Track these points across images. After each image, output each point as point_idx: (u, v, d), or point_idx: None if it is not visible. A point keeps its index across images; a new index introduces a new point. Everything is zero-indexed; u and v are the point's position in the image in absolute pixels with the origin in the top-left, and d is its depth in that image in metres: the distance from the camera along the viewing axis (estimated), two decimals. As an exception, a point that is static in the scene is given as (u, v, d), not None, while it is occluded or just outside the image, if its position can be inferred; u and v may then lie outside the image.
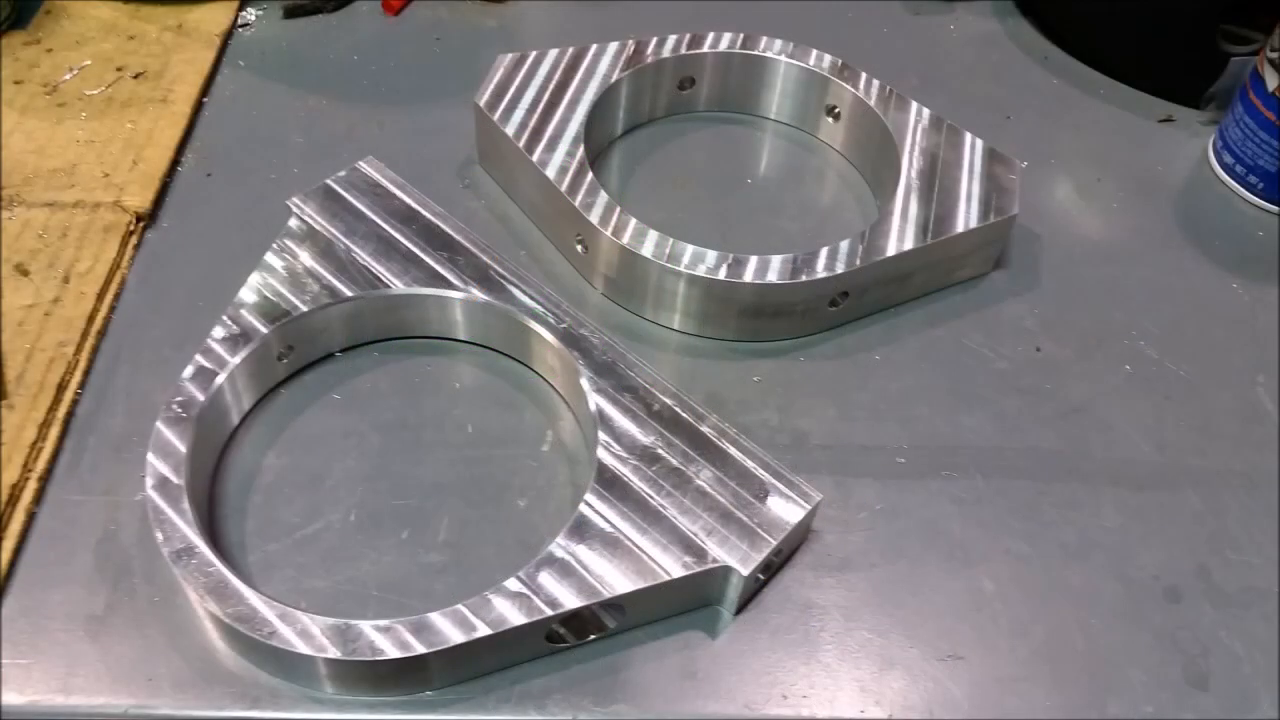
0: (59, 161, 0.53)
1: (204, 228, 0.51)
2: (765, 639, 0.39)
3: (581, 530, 0.38)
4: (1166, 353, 0.49)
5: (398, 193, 0.49)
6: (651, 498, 0.39)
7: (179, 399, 0.41)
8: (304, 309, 0.44)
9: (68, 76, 0.57)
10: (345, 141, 0.55)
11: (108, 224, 0.50)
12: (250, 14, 0.62)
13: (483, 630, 0.35)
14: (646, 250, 0.46)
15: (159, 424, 0.40)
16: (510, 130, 0.50)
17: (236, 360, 0.42)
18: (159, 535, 0.37)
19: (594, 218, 0.47)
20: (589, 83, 0.53)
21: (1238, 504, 0.44)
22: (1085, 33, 0.63)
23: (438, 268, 0.46)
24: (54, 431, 0.43)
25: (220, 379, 0.42)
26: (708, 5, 0.64)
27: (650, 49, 0.55)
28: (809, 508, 0.39)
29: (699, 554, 0.38)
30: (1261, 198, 0.56)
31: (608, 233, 0.46)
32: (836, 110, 0.56)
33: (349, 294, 0.45)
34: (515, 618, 0.36)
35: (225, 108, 0.57)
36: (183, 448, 0.39)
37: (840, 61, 0.55)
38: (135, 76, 0.57)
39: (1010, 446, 0.45)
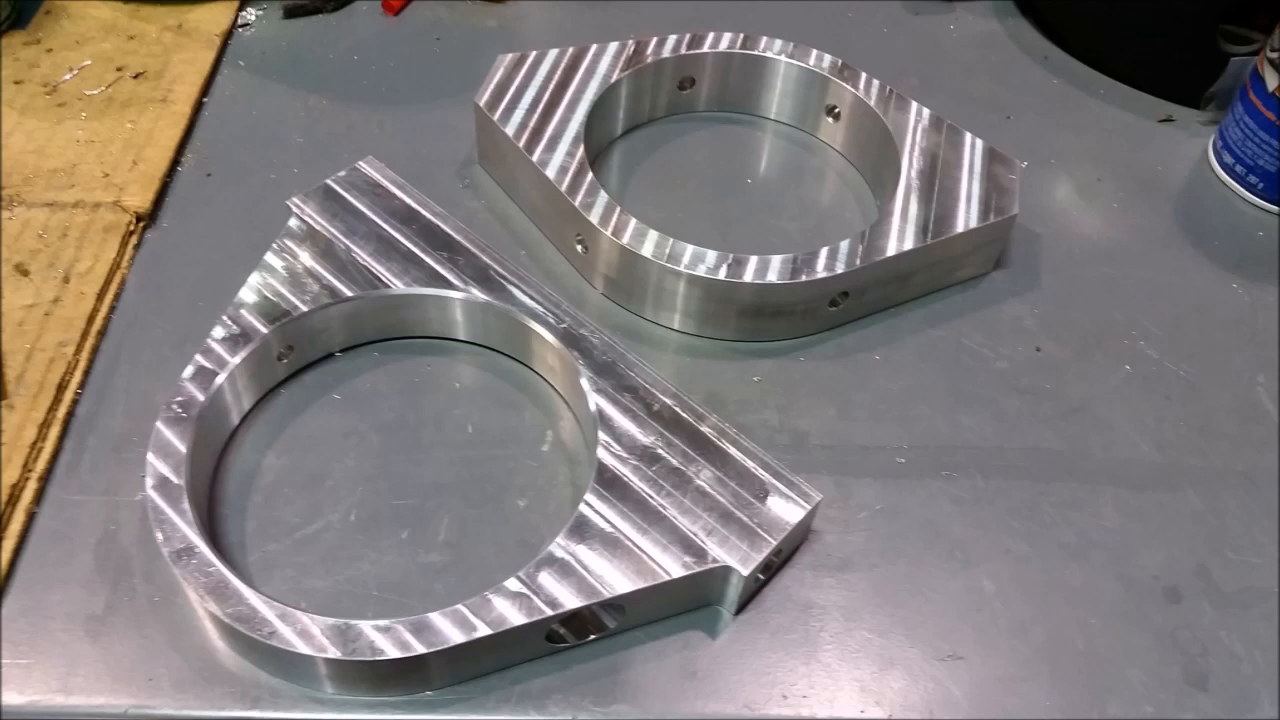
0: (59, 161, 0.53)
1: (204, 228, 0.51)
2: (765, 639, 0.39)
3: (581, 530, 0.38)
4: (1166, 353, 0.49)
5: (398, 193, 0.49)
6: (651, 498, 0.39)
7: (179, 399, 0.41)
8: (304, 309, 0.44)
9: (68, 76, 0.57)
10: (345, 141, 0.55)
11: (108, 224, 0.50)
12: (250, 14, 0.62)
13: (483, 630, 0.35)
14: (646, 250, 0.46)
15: (159, 424, 0.40)
16: (510, 130, 0.50)
17: (236, 360, 0.42)
18: (159, 535, 0.37)
19: (594, 218, 0.47)
20: (589, 83, 0.53)
21: (1238, 504, 0.44)
22: (1085, 33, 0.63)
23: (438, 268, 0.46)
24: (54, 431, 0.43)
25: (220, 379, 0.42)
26: (708, 5, 0.64)
27: (650, 49, 0.55)
28: (809, 508, 0.39)
29: (699, 554, 0.38)
30: (1261, 198, 0.55)
31: (608, 233, 0.46)
32: (836, 110, 0.56)
33: (349, 294, 0.45)
34: (515, 618, 0.36)
35: (225, 108, 0.57)
36: (183, 448, 0.39)
37: (840, 61, 0.55)
38: (135, 76, 0.57)
39: (1010, 446, 0.45)
